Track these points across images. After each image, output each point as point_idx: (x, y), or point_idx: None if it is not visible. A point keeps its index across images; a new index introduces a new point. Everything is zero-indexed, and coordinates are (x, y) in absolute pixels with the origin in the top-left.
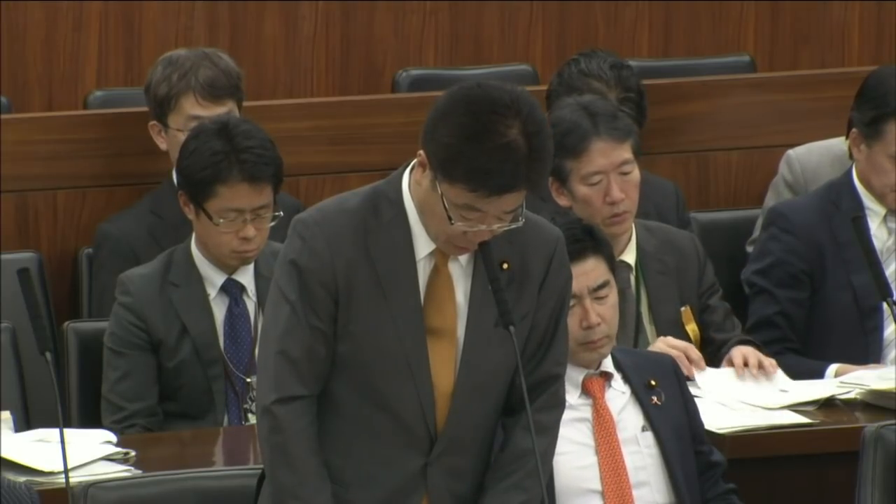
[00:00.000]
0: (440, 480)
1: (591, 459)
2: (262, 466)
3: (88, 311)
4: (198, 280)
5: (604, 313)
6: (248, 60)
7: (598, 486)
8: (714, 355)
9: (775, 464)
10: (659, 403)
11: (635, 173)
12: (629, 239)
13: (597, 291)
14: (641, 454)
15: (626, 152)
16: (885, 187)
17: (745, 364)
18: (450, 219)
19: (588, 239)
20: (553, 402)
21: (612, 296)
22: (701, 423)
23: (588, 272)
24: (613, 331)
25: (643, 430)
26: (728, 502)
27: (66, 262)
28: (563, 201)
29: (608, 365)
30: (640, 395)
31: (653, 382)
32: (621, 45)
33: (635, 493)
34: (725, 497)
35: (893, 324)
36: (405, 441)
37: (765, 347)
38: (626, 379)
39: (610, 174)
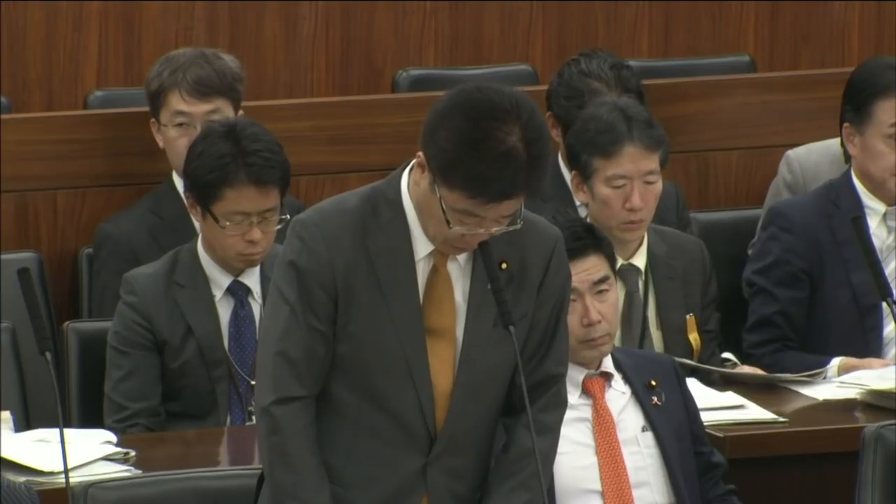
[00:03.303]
0: (440, 480)
1: (591, 460)
2: (261, 467)
3: (88, 311)
4: (204, 281)
5: (604, 311)
6: (248, 60)
7: (597, 486)
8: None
9: (775, 464)
10: (659, 404)
11: (658, 184)
12: (640, 243)
13: (597, 285)
14: (641, 454)
15: (654, 162)
16: (884, 172)
17: None
18: (448, 222)
19: (589, 237)
20: (555, 403)
21: (613, 294)
22: (701, 424)
23: (589, 269)
24: (614, 329)
25: (643, 430)
26: (728, 503)
27: (66, 262)
28: (581, 197)
29: (608, 365)
30: (641, 395)
31: (653, 383)
32: (621, 45)
33: (635, 493)
34: (725, 498)
35: (893, 322)
36: (405, 441)
37: (763, 347)
38: (627, 379)
39: (634, 181)
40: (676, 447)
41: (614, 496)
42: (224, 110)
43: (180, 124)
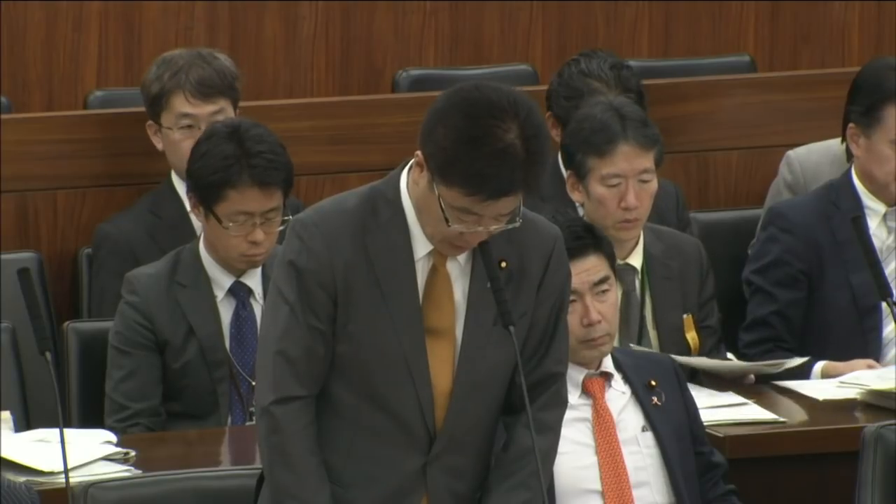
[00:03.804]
0: (440, 480)
1: (591, 459)
2: (261, 466)
3: (88, 311)
4: (205, 281)
5: (604, 311)
6: (248, 60)
7: (597, 486)
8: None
9: (775, 464)
10: (659, 404)
11: (653, 183)
12: (636, 243)
13: (598, 286)
14: (641, 454)
15: (648, 161)
16: (888, 176)
17: None
18: (447, 220)
19: (589, 237)
20: (555, 401)
21: (613, 293)
22: (701, 425)
23: (589, 269)
24: (614, 329)
25: (643, 430)
26: (728, 503)
27: (66, 262)
28: (576, 196)
29: (608, 365)
30: (641, 395)
31: (653, 383)
32: (621, 45)
33: (635, 493)
34: (726, 498)
35: (892, 323)
36: (404, 441)
37: (756, 347)
38: (627, 379)
39: (629, 179)
40: (676, 447)
41: (614, 496)
42: (227, 111)
43: (187, 126)
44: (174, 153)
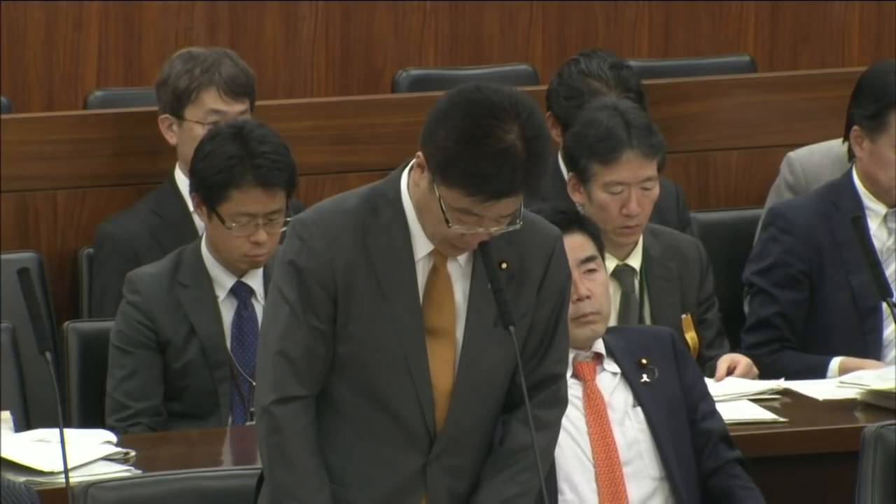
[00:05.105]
0: (439, 480)
1: (584, 439)
2: (261, 466)
3: (88, 311)
4: (207, 281)
5: (594, 289)
6: (249, 60)
7: (590, 464)
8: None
9: (775, 464)
10: (650, 381)
11: (655, 190)
12: (636, 244)
13: (585, 263)
14: (633, 430)
15: (652, 169)
16: (891, 180)
17: (731, 370)
18: (447, 221)
19: (572, 213)
20: (554, 400)
21: (602, 275)
22: (701, 393)
23: (575, 246)
24: (605, 309)
25: (633, 406)
26: (728, 476)
27: (66, 262)
28: (577, 198)
29: (599, 347)
30: (630, 375)
31: (644, 361)
32: (621, 45)
33: (629, 467)
34: (725, 469)
35: (893, 324)
36: (405, 441)
37: (762, 347)
38: (617, 362)
39: (632, 187)
40: (667, 422)
41: (605, 474)
42: (247, 112)
43: (213, 123)
44: (192, 147)
